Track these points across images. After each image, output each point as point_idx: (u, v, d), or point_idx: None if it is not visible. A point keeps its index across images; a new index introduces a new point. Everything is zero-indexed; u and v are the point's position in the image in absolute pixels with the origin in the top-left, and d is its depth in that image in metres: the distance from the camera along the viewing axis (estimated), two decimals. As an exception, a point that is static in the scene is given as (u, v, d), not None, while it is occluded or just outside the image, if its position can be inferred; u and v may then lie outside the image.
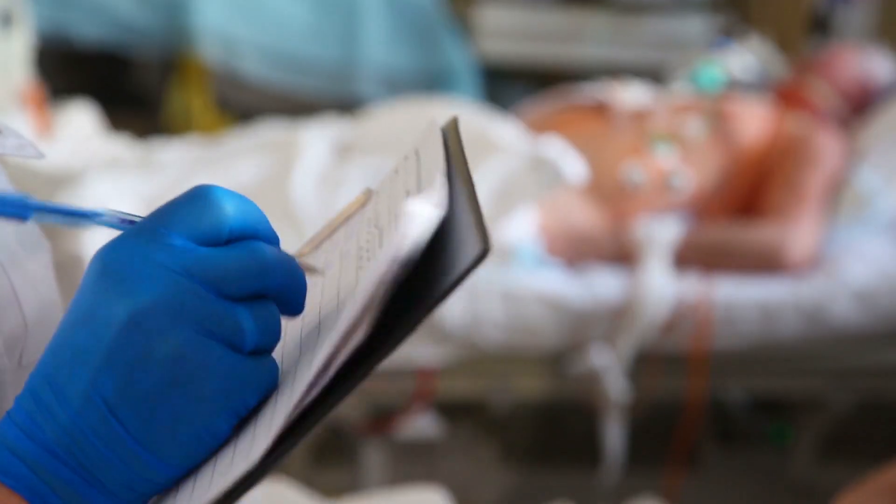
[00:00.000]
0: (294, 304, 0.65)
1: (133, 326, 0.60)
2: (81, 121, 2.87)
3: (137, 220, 0.65)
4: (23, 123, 2.63)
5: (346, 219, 0.80)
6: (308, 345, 0.68)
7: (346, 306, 0.61)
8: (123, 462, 0.61)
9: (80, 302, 0.62)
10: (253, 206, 0.65)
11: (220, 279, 0.61)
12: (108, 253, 0.61)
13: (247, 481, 0.60)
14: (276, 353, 0.69)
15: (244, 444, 0.62)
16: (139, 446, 0.61)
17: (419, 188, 0.69)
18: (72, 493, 0.61)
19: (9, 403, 0.72)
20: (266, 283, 0.63)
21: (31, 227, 0.79)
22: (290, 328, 0.73)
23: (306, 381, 0.59)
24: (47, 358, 0.62)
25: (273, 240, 0.65)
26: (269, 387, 0.63)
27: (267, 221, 0.65)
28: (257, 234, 0.64)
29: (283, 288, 0.64)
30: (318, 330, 0.69)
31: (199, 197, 0.63)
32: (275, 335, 0.64)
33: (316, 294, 0.74)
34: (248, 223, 0.64)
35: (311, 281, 0.75)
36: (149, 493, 0.63)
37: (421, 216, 0.59)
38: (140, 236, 0.61)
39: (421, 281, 0.60)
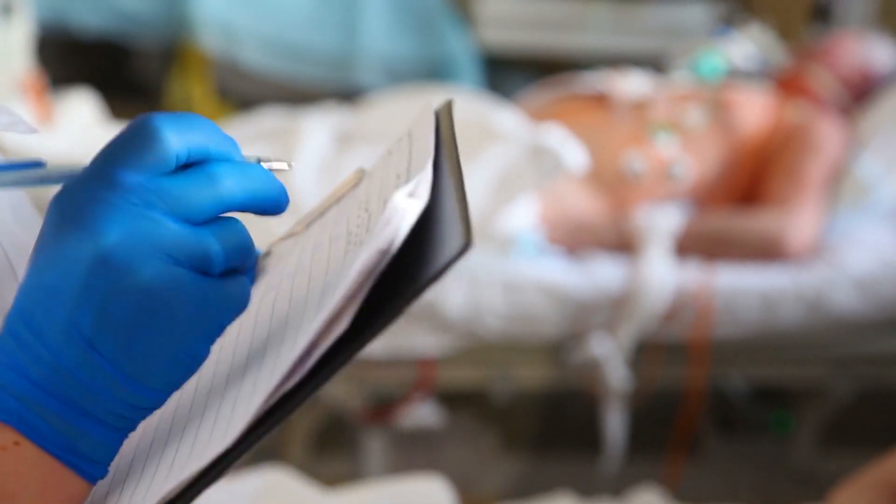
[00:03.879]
0: (271, 205, 0.66)
1: (101, 263, 0.61)
2: (82, 110, 2.86)
3: (80, 168, 0.65)
4: (23, 112, 2.63)
5: (337, 199, 0.81)
6: (295, 318, 0.68)
7: (329, 294, 0.62)
8: (108, 392, 0.62)
9: (45, 246, 0.62)
10: (199, 125, 0.65)
11: (177, 206, 0.62)
12: (63, 199, 0.62)
13: (223, 461, 0.61)
14: (265, 319, 0.71)
15: (223, 419, 0.63)
16: (121, 375, 0.62)
17: (409, 173, 0.70)
18: (63, 422, 0.62)
19: None
20: (225, 201, 0.64)
21: (27, 205, 0.80)
22: (281, 296, 0.73)
23: (285, 366, 0.60)
24: (21, 299, 0.63)
25: (224, 156, 0.65)
26: (242, 307, 0.64)
27: (217, 136, 0.65)
28: (209, 155, 0.65)
29: (248, 199, 0.65)
30: (305, 306, 0.69)
31: (139, 129, 0.63)
32: (244, 252, 0.65)
33: (305, 266, 0.75)
34: (195, 147, 0.64)
35: (304, 263, 0.76)
36: (137, 419, 0.64)
37: (408, 209, 0.60)
38: (91, 179, 0.62)
39: (403, 268, 0.61)
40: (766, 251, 2.51)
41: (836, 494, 1.45)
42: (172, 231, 0.61)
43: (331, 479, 1.85)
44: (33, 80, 2.86)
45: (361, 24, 3.91)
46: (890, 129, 2.74)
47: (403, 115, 2.66)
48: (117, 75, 4.17)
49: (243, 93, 3.88)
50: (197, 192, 0.63)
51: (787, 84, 2.91)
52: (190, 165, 0.64)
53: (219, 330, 0.64)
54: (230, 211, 0.64)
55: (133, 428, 0.65)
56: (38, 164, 0.66)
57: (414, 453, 2.59)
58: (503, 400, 2.53)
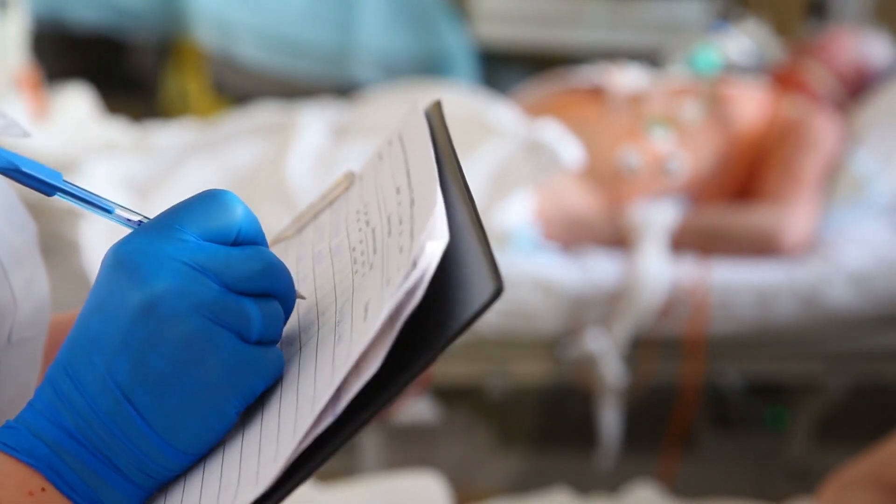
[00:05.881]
0: (288, 306, 0.68)
1: (146, 313, 0.62)
2: (77, 105, 2.86)
3: (146, 220, 0.68)
4: (19, 107, 2.63)
5: (328, 203, 0.81)
6: (308, 344, 0.68)
7: (354, 338, 0.62)
8: (137, 446, 0.63)
9: (96, 293, 0.64)
10: (255, 218, 0.68)
11: (229, 274, 0.64)
12: (122, 247, 0.64)
13: None
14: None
15: (249, 462, 0.62)
16: (151, 430, 0.63)
17: (410, 188, 0.70)
18: (90, 473, 0.64)
19: (1, 381, 0.73)
20: (271, 284, 0.66)
21: (18, 208, 0.80)
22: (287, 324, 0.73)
23: (313, 413, 0.60)
24: (65, 349, 0.64)
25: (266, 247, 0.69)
26: (275, 375, 0.66)
27: (265, 236, 0.69)
28: (258, 242, 0.68)
29: (282, 294, 0.67)
30: (317, 328, 0.69)
31: (211, 198, 0.66)
32: (278, 329, 0.66)
33: (308, 277, 0.74)
34: (253, 229, 0.67)
35: (304, 273, 0.76)
36: (161, 478, 0.65)
37: (434, 251, 0.60)
38: (153, 231, 0.64)
39: (424, 306, 0.61)
40: (762, 246, 2.51)
41: (826, 488, 1.44)
42: (217, 293, 0.63)
43: (327, 475, 1.85)
44: (28, 75, 2.86)
45: (357, 19, 3.91)
46: (885, 124, 2.74)
47: (399, 110, 2.66)
48: (113, 70, 4.17)
49: (239, 88, 3.88)
50: (248, 266, 0.65)
51: (783, 79, 2.91)
52: (241, 244, 0.67)
53: (251, 395, 0.65)
54: (269, 292, 0.66)
55: (155, 488, 0.66)
56: (108, 210, 0.68)
57: (410, 449, 2.59)
58: (499, 395, 2.53)
